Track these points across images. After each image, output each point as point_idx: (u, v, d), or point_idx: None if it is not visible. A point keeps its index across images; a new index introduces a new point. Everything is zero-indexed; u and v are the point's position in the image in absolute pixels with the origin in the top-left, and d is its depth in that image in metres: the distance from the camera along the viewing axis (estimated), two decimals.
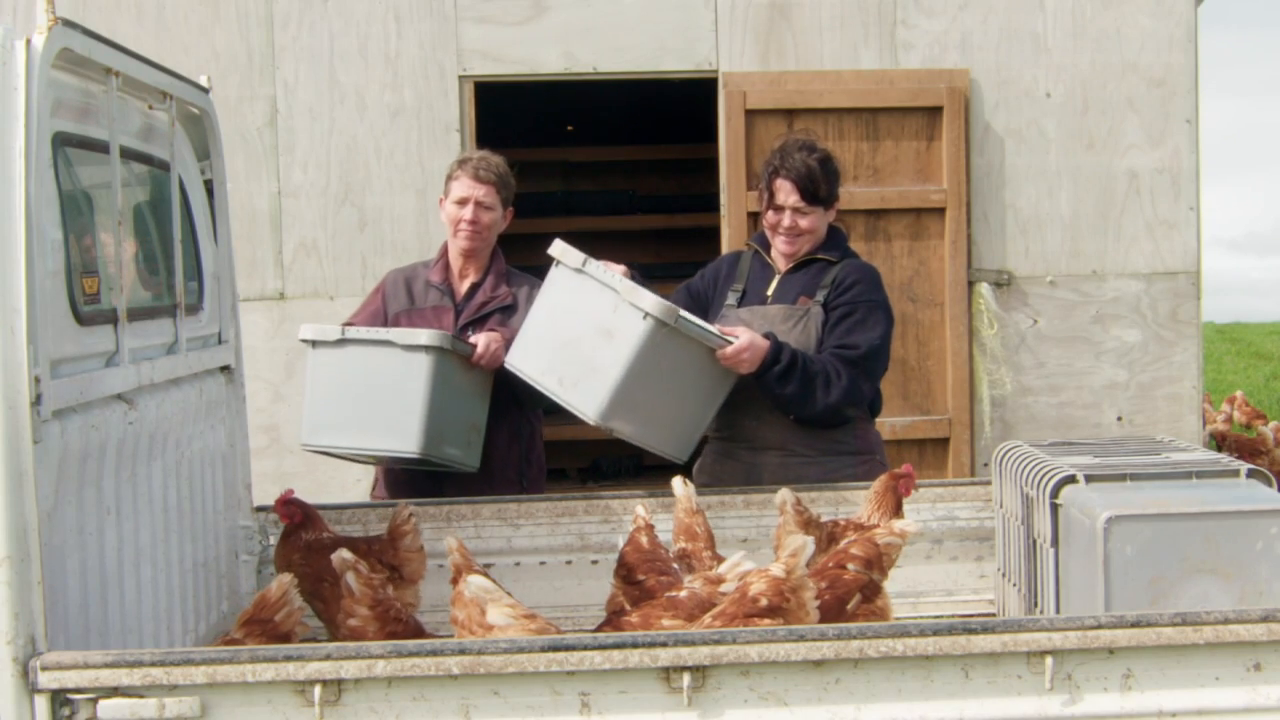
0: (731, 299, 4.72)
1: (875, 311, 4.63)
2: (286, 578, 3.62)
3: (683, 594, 3.50)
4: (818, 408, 4.50)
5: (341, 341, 4.51)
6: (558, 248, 4.43)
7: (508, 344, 4.59)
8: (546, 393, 4.36)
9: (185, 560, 3.90)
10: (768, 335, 4.41)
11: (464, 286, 4.95)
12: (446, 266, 4.98)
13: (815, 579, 3.66)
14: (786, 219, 4.62)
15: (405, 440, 4.41)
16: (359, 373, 4.48)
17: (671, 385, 4.31)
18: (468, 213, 4.86)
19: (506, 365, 4.51)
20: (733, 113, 6.47)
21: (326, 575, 3.88)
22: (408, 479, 4.84)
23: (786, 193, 4.61)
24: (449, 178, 4.96)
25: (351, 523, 4.46)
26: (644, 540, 3.86)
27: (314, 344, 4.57)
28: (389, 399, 4.42)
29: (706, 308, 4.79)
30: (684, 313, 4.25)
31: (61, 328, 3.15)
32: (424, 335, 4.44)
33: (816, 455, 4.61)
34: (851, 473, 4.62)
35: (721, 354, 4.31)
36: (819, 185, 4.61)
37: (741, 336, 4.33)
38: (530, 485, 4.93)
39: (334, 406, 4.51)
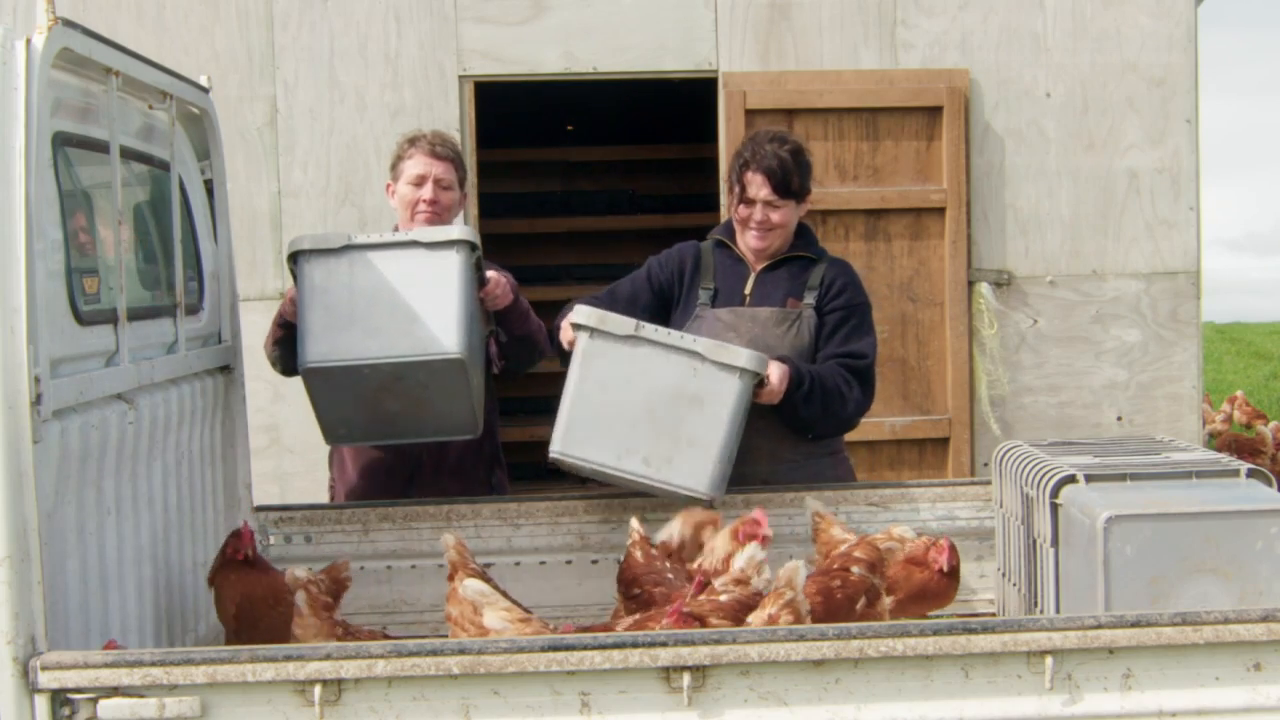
0: (704, 298, 4.53)
1: (867, 314, 4.58)
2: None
3: (723, 598, 3.50)
4: (835, 422, 4.47)
5: (346, 249, 4.10)
6: (591, 316, 4.11)
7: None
8: (630, 477, 4.07)
9: (185, 560, 3.90)
10: (781, 359, 4.28)
11: None
12: None
13: (825, 578, 3.70)
14: (758, 213, 4.46)
15: (442, 341, 4.03)
16: (373, 280, 4.07)
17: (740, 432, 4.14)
18: (427, 192, 4.56)
19: (556, 457, 4.11)
20: (732, 112, 6.47)
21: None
22: (375, 478, 4.65)
23: (758, 186, 4.44)
24: (399, 158, 4.65)
25: (351, 523, 4.45)
26: (638, 555, 3.86)
27: (309, 255, 4.12)
28: (415, 303, 4.05)
29: (670, 305, 4.58)
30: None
31: (61, 328, 3.15)
32: (455, 230, 4.14)
33: (803, 460, 4.55)
34: (833, 474, 4.61)
35: (769, 391, 4.14)
36: (791, 177, 4.44)
37: (773, 370, 4.19)
38: (498, 486, 4.80)
39: (344, 319, 4.06)
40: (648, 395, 4.01)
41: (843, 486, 4.53)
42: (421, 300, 4.05)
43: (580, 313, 4.14)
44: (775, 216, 4.48)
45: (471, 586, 3.43)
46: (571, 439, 4.07)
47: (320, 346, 4.06)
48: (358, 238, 4.14)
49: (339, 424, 4.30)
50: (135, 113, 3.83)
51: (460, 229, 4.15)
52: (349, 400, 4.18)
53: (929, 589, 3.94)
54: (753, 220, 4.49)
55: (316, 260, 4.11)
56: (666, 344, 4.03)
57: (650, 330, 4.07)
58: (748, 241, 4.55)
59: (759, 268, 4.57)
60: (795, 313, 4.48)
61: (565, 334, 4.24)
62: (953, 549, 3.94)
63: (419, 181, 4.58)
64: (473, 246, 4.12)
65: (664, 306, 4.55)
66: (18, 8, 6.18)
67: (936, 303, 6.60)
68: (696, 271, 4.58)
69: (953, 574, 3.95)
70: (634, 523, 3.95)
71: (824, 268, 4.57)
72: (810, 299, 4.51)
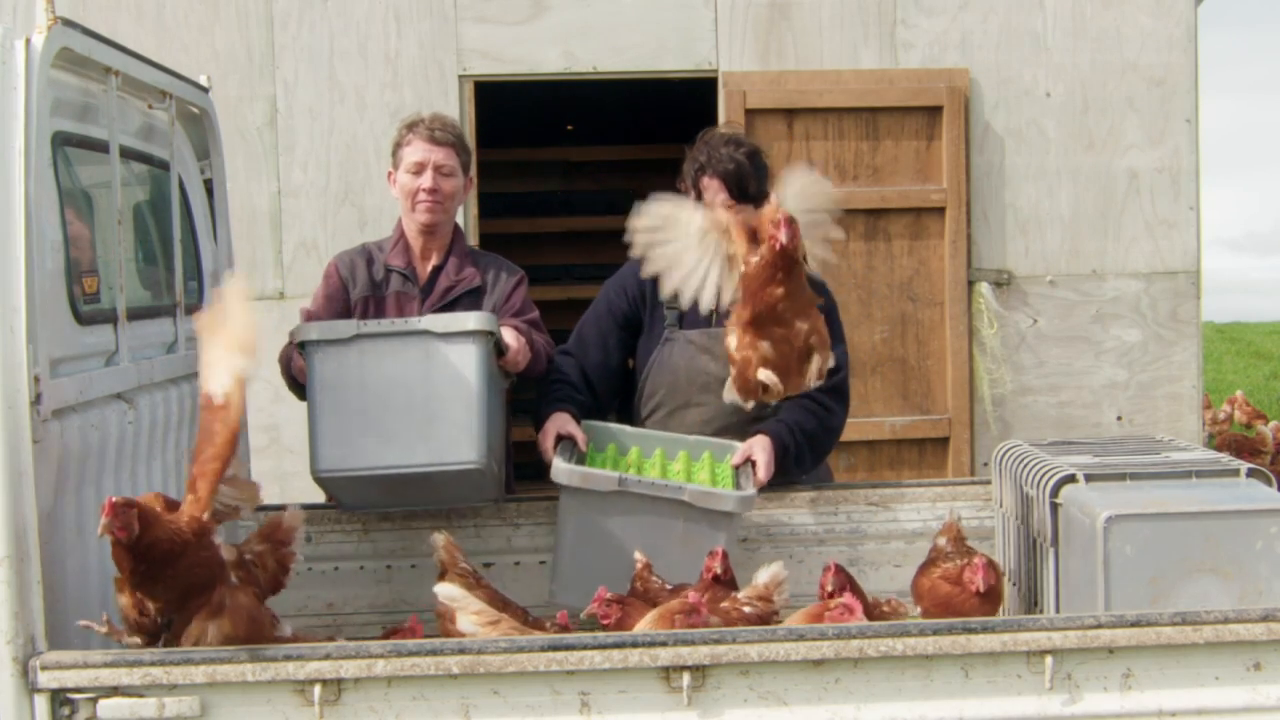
0: (670, 319, 4.38)
1: (836, 319, 4.38)
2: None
3: (746, 609, 3.51)
4: (826, 454, 4.46)
5: (357, 338, 3.85)
6: (573, 475, 3.92)
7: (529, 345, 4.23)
8: None
9: None
10: (760, 431, 4.17)
11: (426, 270, 4.45)
12: (407, 248, 4.46)
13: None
14: None
15: (462, 450, 3.81)
16: (386, 375, 3.84)
17: None
18: (426, 180, 4.35)
19: (558, 603, 4.03)
20: (732, 112, 6.47)
21: None
22: None
23: (715, 191, 4.26)
24: (398, 145, 4.43)
25: (351, 523, 4.44)
26: (639, 585, 3.86)
27: (317, 345, 3.88)
28: (432, 403, 3.81)
29: (638, 332, 4.43)
30: (748, 488, 3.98)
31: (61, 327, 3.15)
32: (471, 319, 3.89)
33: None
34: (815, 476, 4.55)
35: (761, 480, 4.05)
36: (749, 182, 4.25)
37: (759, 462, 4.07)
38: (510, 488, 4.66)
39: (358, 420, 3.82)
40: (640, 545, 3.87)
41: (843, 486, 4.53)
42: (438, 400, 3.82)
43: (561, 472, 3.94)
44: None
45: (443, 591, 3.42)
46: (568, 589, 3.99)
47: (333, 453, 3.85)
48: (366, 326, 3.89)
49: (356, 501, 4.20)
50: (135, 112, 3.83)
51: (476, 318, 3.91)
52: (365, 491, 4.05)
53: (953, 604, 3.67)
54: None
55: (325, 352, 3.86)
56: (653, 495, 3.89)
57: (634, 483, 3.91)
58: None
59: None
60: None
61: (547, 453, 4.10)
62: (989, 567, 3.66)
63: (418, 169, 4.38)
64: (490, 334, 3.90)
65: (633, 336, 4.43)
66: (18, 8, 6.18)
67: (936, 303, 6.60)
68: (656, 291, 4.29)
69: (989, 594, 3.65)
70: (637, 554, 3.91)
71: None
72: None
